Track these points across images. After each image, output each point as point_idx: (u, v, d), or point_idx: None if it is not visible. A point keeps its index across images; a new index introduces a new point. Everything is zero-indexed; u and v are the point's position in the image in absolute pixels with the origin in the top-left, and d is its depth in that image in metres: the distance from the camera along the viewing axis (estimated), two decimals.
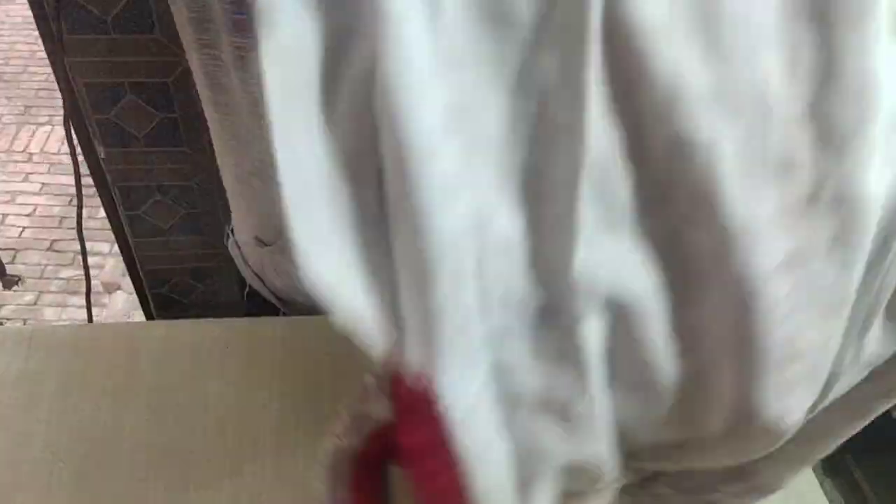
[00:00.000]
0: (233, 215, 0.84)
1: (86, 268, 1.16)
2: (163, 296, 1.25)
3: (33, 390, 0.70)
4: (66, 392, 0.71)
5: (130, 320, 2.03)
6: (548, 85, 0.26)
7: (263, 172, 0.69)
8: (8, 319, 2.09)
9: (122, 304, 2.08)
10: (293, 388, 0.72)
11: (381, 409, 0.38)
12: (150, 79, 0.89)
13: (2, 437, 0.66)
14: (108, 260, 2.19)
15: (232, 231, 0.87)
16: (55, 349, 0.74)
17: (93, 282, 2.16)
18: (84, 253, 1.13)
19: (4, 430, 0.66)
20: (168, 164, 1.03)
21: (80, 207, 1.04)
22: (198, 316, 1.27)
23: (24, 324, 2.08)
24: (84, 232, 1.10)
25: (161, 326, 0.78)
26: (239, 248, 0.87)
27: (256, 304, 0.85)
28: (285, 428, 0.68)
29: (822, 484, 1.65)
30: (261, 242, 0.79)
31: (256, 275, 0.86)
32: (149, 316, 1.30)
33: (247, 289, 0.90)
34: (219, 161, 0.79)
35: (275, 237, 0.77)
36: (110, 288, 2.12)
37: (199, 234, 0.94)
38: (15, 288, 2.15)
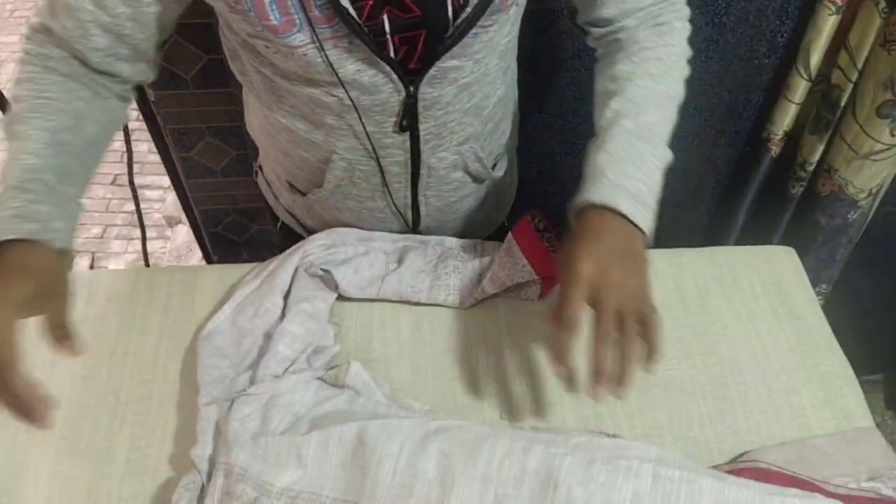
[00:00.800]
0: (261, 155, 0.84)
1: (140, 219, 1.18)
2: (218, 235, 1.27)
3: (94, 333, 0.72)
4: (125, 334, 0.73)
5: (192, 253, 2.08)
6: None
7: (290, 130, 0.69)
8: (76, 252, 2.17)
9: (183, 237, 2.13)
10: (340, 326, 0.73)
11: None
12: (194, 20, 0.88)
13: (65, 378, 0.69)
14: (169, 193, 2.23)
15: (261, 168, 0.87)
16: (114, 293, 0.76)
17: (155, 215, 2.22)
18: (137, 204, 1.15)
19: (67, 372, 0.69)
20: (217, 105, 1.03)
21: (130, 162, 1.04)
22: (252, 254, 1.29)
23: (92, 256, 2.15)
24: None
25: (214, 270, 0.79)
26: (269, 184, 0.87)
27: (289, 237, 0.85)
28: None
29: (883, 418, 1.61)
30: (294, 189, 0.79)
31: (288, 211, 0.86)
32: (205, 253, 1.33)
33: (279, 223, 0.90)
34: (245, 110, 0.80)
35: (307, 188, 0.77)
36: (172, 221, 2.17)
37: (249, 175, 0.95)
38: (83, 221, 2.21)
